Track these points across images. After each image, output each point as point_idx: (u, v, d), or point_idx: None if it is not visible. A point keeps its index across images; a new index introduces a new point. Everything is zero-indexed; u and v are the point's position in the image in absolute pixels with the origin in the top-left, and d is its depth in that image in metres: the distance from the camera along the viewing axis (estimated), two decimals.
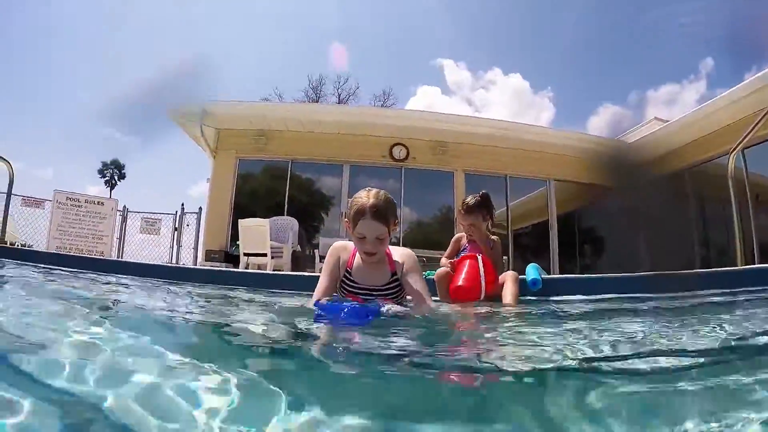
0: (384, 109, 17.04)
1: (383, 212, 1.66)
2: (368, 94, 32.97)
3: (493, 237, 2.69)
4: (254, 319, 1.64)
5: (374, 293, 1.77)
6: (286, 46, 44.99)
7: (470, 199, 2.65)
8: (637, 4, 32.70)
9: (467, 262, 2.42)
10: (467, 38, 43.32)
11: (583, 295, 2.52)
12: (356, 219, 1.67)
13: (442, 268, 2.52)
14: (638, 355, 1.04)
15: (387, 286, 1.79)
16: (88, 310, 1.46)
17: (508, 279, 2.35)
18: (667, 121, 8.91)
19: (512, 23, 40.92)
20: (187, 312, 1.75)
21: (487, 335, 1.46)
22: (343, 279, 1.81)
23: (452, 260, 2.57)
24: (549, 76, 44.91)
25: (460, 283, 2.32)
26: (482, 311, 2.01)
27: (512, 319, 1.91)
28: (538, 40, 42.17)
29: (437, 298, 2.37)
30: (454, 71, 45.18)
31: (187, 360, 0.86)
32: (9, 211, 5.36)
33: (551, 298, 2.53)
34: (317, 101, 24.63)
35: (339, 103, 24.94)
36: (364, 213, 1.65)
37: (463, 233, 2.72)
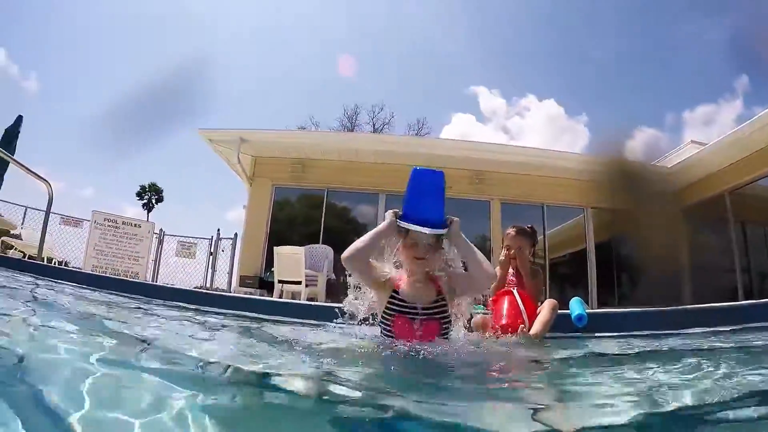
0: (420, 138, 17.13)
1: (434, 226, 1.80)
2: (403, 123, 33.29)
3: (534, 267, 2.67)
4: (296, 366, 1.47)
5: (421, 312, 1.79)
6: (322, 74, 45.71)
7: (519, 225, 2.72)
8: (665, 22, 32.11)
9: (505, 299, 2.41)
10: (500, 65, 43.54)
11: (630, 330, 2.41)
12: (407, 232, 1.80)
13: (478, 316, 2.44)
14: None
15: (434, 305, 1.80)
16: (112, 343, 1.42)
17: (543, 307, 2.31)
18: (704, 144, 8.66)
19: (544, 48, 40.77)
20: (220, 352, 1.62)
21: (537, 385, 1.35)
22: (390, 300, 1.82)
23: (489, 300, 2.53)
24: (583, 101, 44.38)
25: (503, 321, 2.29)
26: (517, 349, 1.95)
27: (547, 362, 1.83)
28: (571, 65, 41.87)
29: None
30: (488, 98, 44.65)
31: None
32: (47, 229, 5.53)
33: (596, 335, 2.41)
34: (352, 130, 24.92)
35: (374, 132, 25.17)
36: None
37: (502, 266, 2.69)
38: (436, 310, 1.79)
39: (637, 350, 1.99)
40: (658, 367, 1.43)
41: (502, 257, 2.70)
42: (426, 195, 1.84)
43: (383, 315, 1.82)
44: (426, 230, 1.75)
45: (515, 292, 2.39)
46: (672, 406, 0.92)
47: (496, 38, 41.09)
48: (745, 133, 7.04)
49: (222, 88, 47.83)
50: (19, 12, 37.33)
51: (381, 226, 1.84)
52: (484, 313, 2.47)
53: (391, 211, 1.85)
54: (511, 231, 2.69)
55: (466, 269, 1.83)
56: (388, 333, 1.79)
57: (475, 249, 1.83)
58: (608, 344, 2.20)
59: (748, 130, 6.98)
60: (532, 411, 0.94)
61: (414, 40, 41.89)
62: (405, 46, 43.18)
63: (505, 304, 2.36)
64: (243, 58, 46.45)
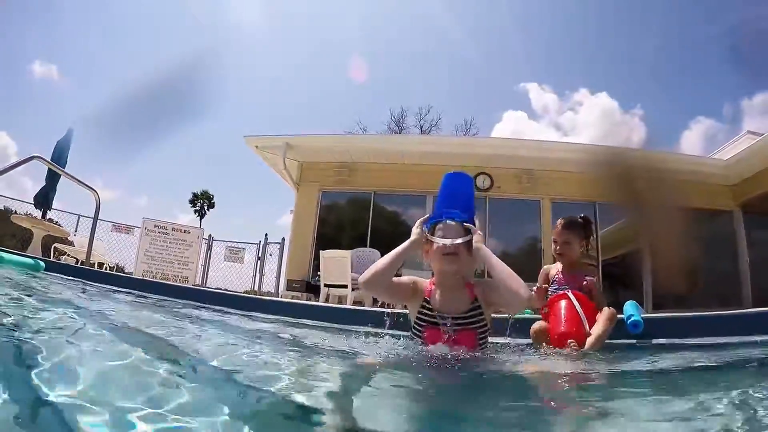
0: (466, 138, 16.92)
1: (462, 216, 1.72)
2: (450, 125, 32.55)
3: (589, 268, 2.43)
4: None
5: (454, 321, 1.63)
6: (372, 77, 46.18)
7: (571, 216, 2.43)
8: (717, 7, 30.45)
9: (562, 303, 2.14)
10: (550, 59, 42.54)
11: (695, 337, 2.15)
12: (434, 228, 1.71)
13: (536, 324, 2.24)
14: None
15: (469, 314, 1.64)
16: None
17: (600, 318, 2.06)
18: (762, 134, 8.16)
19: (595, 39, 39.48)
20: (252, 356, 1.51)
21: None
22: (420, 310, 1.68)
23: (542, 304, 2.28)
24: (637, 93, 42.80)
25: (562, 329, 2.04)
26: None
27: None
28: (623, 56, 40.39)
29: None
30: (540, 94, 43.40)
31: None
32: (96, 236, 5.73)
33: (653, 341, 2.19)
34: (400, 133, 25.01)
35: (421, 134, 25.18)
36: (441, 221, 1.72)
37: (550, 266, 2.45)
38: (470, 320, 1.63)
39: (703, 363, 1.76)
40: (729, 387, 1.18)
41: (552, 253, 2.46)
42: (454, 197, 1.80)
43: (414, 326, 1.70)
44: (453, 222, 1.69)
45: (571, 294, 2.13)
46: None
47: (544, 30, 39.98)
48: None
49: (269, 96, 49.03)
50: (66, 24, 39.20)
51: (405, 243, 1.71)
52: (537, 318, 2.27)
53: (417, 224, 1.76)
54: (559, 223, 2.41)
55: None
56: (422, 344, 1.68)
57: (502, 264, 1.62)
58: (668, 354, 1.99)
59: None
60: None
61: (461, 39, 41.31)
62: (452, 45, 42.64)
63: (563, 310, 2.12)
64: (289, 66, 47.38)
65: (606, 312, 2.09)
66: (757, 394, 0.94)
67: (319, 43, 46.04)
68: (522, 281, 1.57)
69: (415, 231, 1.74)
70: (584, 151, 8.17)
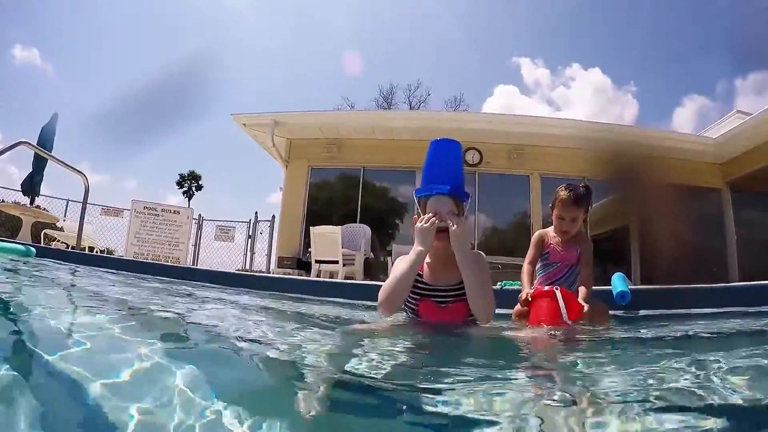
0: (455, 113, 16.77)
1: (454, 191, 1.68)
2: (440, 100, 32.56)
3: (583, 235, 2.36)
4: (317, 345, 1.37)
5: (447, 293, 1.65)
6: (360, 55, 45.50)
7: (577, 189, 2.22)
8: None
9: (545, 303, 1.91)
10: (541, 33, 42.02)
11: (680, 309, 2.24)
12: (425, 201, 1.69)
13: (518, 307, 2.14)
14: None
15: (460, 286, 1.61)
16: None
17: (598, 312, 2.03)
18: (751, 114, 8.19)
19: (588, 14, 39.01)
20: (246, 331, 1.50)
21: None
22: (415, 284, 1.67)
23: (527, 293, 2.05)
24: (631, 70, 42.65)
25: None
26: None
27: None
28: (617, 31, 39.96)
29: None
30: (531, 69, 43.46)
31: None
32: (86, 220, 5.69)
33: (640, 313, 2.27)
34: (389, 109, 24.79)
35: (410, 110, 24.98)
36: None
37: (544, 232, 2.36)
38: (462, 291, 1.60)
39: (682, 333, 1.78)
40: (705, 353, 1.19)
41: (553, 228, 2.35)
42: (443, 165, 1.72)
43: (408, 299, 1.69)
44: (444, 189, 1.64)
45: (559, 294, 1.88)
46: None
47: (536, 3, 39.70)
48: None
49: (258, 74, 48.39)
50: (49, 8, 38.28)
51: (412, 259, 1.60)
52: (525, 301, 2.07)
53: (419, 231, 1.62)
54: (567, 195, 2.20)
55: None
56: (414, 317, 1.69)
57: (480, 269, 1.60)
58: (652, 324, 2.04)
59: None
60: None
61: (452, 11, 40.68)
62: (442, 17, 41.94)
63: (545, 310, 1.89)
64: (277, 44, 46.69)
65: (605, 311, 2.12)
66: (723, 360, 0.98)
67: (305, 20, 45.33)
68: (491, 299, 1.59)
69: (414, 251, 1.62)
70: (574, 127, 8.17)
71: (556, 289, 1.90)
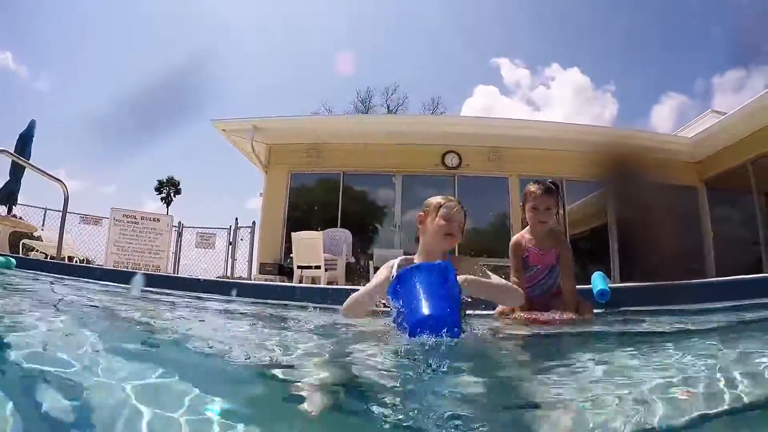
0: (434, 116, 16.83)
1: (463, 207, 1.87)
2: (418, 103, 32.45)
3: (559, 233, 2.44)
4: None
5: None
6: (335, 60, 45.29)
7: (544, 182, 2.32)
8: None
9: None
10: (521, 32, 42.28)
11: (657, 305, 2.25)
12: (439, 206, 1.82)
13: (500, 307, 2.21)
14: None
15: None
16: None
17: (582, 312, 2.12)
18: (726, 113, 8.39)
19: (567, 13, 39.37)
20: (231, 342, 1.48)
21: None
22: None
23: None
24: (610, 69, 43.19)
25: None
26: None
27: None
28: (594, 29, 40.33)
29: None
30: (512, 69, 43.69)
31: None
32: (66, 229, 5.58)
33: (620, 309, 2.30)
34: (367, 113, 24.73)
35: (389, 113, 24.99)
36: (447, 201, 1.85)
37: (519, 237, 2.38)
38: None
39: (664, 329, 1.84)
40: (680, 347, 1.29)
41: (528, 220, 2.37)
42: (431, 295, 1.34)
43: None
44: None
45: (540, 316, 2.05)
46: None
47: (516, 3, 39.90)
48: (767, 101, 6.78)
49: (236, 80, 48.03)
50: (24, 11, 37.60)
51: (377, 282, 1.72)
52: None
53: (386, 268, 1.76)
54: (537, 187, 2.28)
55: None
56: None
57: (497, 284, 1.72)
58: (632, 320, 2.09)
59: None
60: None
61: (430, 12, 40.61)
62: (421, 19, 41.99)
63: (523, 314, 2.10)
64: (254, 49, 46.48)
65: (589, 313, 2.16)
66: (702, 353, 1.05)
67: (283, 25, 45.17)
68: (516, 291, 1.75)
69: (383, 272, 1.77)
70: (551, 129, 8.27)
71: (540, 316, 2.04)
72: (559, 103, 40.79)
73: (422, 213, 1.87)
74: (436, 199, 1.86)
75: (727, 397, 0.75)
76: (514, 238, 2.40)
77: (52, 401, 0.70)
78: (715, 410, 0.72)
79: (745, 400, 0.75)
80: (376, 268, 1.85)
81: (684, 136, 9.43)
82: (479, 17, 40.93)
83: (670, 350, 1.23)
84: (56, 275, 3.40)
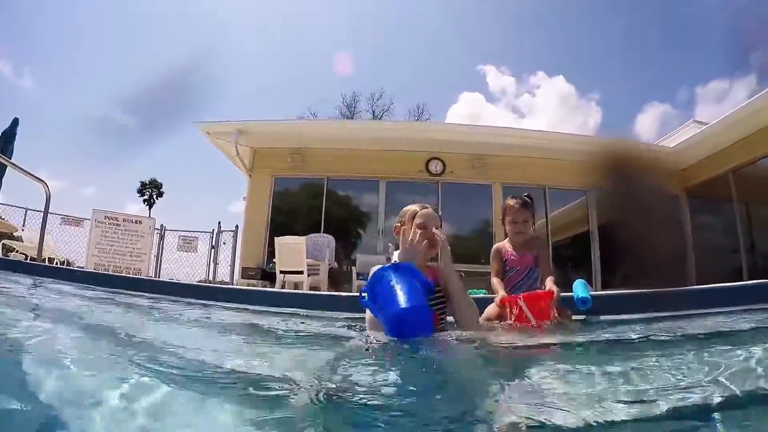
0: (419, 123, 16.88)
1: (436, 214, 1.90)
2: (403, 109, 32.60)
3: (537, 241, 2.61)
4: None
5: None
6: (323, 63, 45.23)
7: (521, 196, 2.56)
8: None
9: (512, 311, 2.18)
10: (507, 41, 42.54)
11: (638, 313, 2.31)
12: (414, 215, 1.83)
13: (487, 311, 2.34)
14: None
15: (435, 297, 1.69)
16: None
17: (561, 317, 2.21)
18: (707, 123, 8.57)
19: (553, 22, 39.87)
20: (213, 349, 1.52)
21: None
22: None
23: (501, 296, 2.30)
24: (594, 78, 43.78)
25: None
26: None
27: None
28: (580, 38, 40.86)
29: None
30: (497, 77, 43.67)
31: None
32: (47, 230, 5.47)
33: (602, 318, 2.36)
34: (352, 119, 24.65)
35: (374, 119, 24.94)
36: (422, 209, 1.86)
37: (500, 245, 2.59)
38: (433, 302, 1.64)
39: (641, 336, 1.88)
40: (666, 354, 1.36)
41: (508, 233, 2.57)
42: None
43: None
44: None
45: (522, 302, 2.13)
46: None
47: (503, 13, 40.07)
48: (747, 112, 6.94)
49: (221, 83, 47.73)
50: (11, 8, 36.98)
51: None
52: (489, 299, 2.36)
53: None
54: (515, 201, 2.51)
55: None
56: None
57: (463, 288, 1.74)
58: (615, 328, 2.14)
59: (750, 109, 6.88)
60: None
61: (417, 20, 40.81)
62: (407, 26, 42.29)
63: (515, 318, 2.14)
64: (241, 52, 46.08)
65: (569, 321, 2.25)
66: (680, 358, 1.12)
67: (270, 29, 44.90)
68: (475, 311, 1.76)
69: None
70: (535, 138, 8.36)
71: (519, 298, 2.15)
72: (544, 111, 41.33)
73: (398, 224, 1.89)
74: (411, 208, 1.87)
75: (705, 402, 0.80)
76: (495, 246, 2.63)
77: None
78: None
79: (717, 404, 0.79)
80: (359, 274, 1.86)
81: (666, 146, 9.60)
82: (466, 25, 41.24)
83: (649, 357, 1.28)
84: (39, 276, 3.34)
